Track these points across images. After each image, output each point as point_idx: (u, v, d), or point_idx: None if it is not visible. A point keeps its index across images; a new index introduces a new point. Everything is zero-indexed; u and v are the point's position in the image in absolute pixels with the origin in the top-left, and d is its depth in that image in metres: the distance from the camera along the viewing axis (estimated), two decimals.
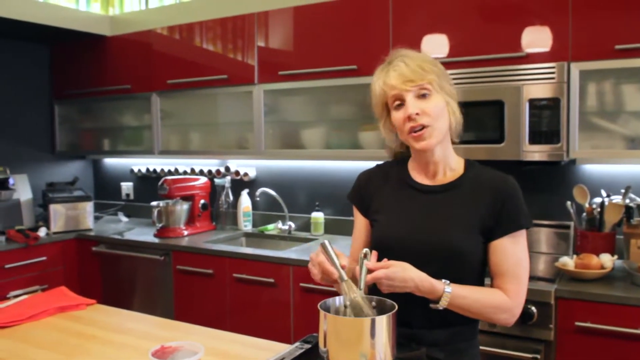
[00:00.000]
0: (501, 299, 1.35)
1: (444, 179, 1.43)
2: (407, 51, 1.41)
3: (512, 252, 1.36)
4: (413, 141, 1.38)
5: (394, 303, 1.21)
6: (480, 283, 1.42)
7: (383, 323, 1.14)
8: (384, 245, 1.43)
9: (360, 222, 1.56)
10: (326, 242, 1.28)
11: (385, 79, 1.38)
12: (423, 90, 1.35)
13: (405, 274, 1.25)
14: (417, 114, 1.34)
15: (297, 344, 1.38)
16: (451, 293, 1.28)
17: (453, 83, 1.43)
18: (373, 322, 1.14)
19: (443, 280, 1.30)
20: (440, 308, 1.29)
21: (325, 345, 1.17)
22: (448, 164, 1.44)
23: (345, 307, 1.24)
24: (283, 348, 1.42)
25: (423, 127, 1.35)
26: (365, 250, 1.33)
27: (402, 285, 1.25)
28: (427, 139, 1.36)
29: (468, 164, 1.46)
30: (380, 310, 1.24)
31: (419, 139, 1.36)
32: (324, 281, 1.33)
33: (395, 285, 1.25)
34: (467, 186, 1.41)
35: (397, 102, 1.38)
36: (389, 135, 1.47)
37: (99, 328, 1.76)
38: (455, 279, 1.36)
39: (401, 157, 1.55)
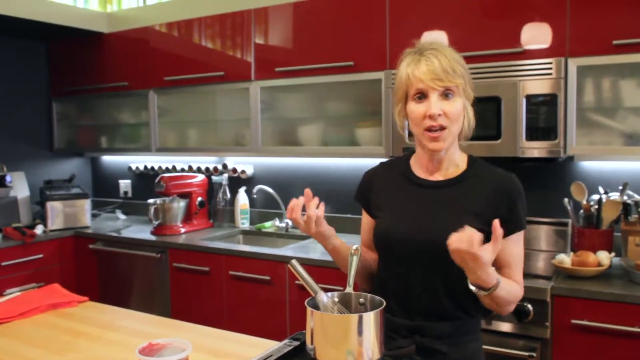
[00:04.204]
0: (518, 290, 1.37)
1: (447, 174, 1.43)
2: (440, 44, 1.39)
3: (518, 247, 1.38)
4: (427, 140, 1.37)
5: (382, 300, 1.20)
6: None
7: (370, 320, 1.13)
8: (386, 242, 1.44)
9: (366, 220, 1.58)
10: (293, 261, 1.27)
11: (415, 70, 1.35)
12: (448, 91, 1.34)
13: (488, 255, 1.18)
14: (439, 114, 1.33)
15: (285, 341, 1.36)
16: (500, 284, 1.24)
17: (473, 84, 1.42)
18: (360, 318, 1.12)
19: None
20: (483, 294, 1.25)
21: (312, 343, 1.16)
22: (452, 161, 1.44)
23: (334, 304, 1.23)
24: (272, 345, 1.40)
25: (442, 128, 1.34)
26: (356, 246, 1.33)
27: (475, 259, 1.16)
28: (442, 142, 1.35)
29: (471, 160, 1.46)
30: (369, 306, 1.22)
31: (435, 140, 1.35)
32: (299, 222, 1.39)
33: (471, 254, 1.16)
34: (469, 182, 1.41)
35: (419, 95, 1.36)
36: (401, 123, 1.46)
37: (90, 325, 1.75)
38: (457, 274, 1.34)
39: (408, 152, 1.54)
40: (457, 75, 1.33)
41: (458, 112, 1.35)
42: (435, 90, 1.33)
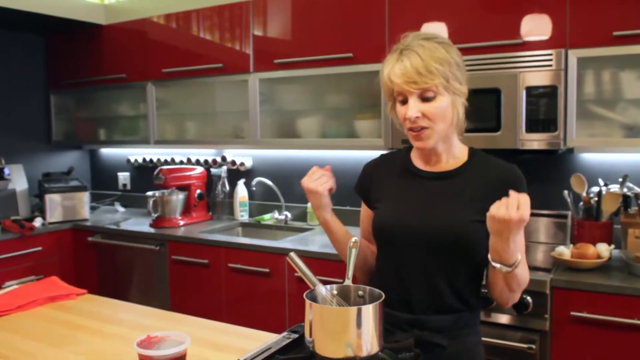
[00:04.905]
0: (528, 274, 1.35)
1: (447, 166, 1.43)
2: (420, 41, 1.33)
3: (520, 238, 1.35)
4: (412, 139, 1.38)
5: (381, 292, 1.19)
6: (482, 268, 1.40)
7: (369, 312, 1.12)
8: (384, 232, 1.44)
9: (365, 212, 1.58)
10: (292, 254, 1.27)
11: (391, 74, 1.34)
12: (427, 93, 1.31)
13: (519, 226, 1.19)
14: (417, 117, 1.32)
15: (284, 333, 1.36)
16: (520, 260, 1.25)
17: (467, 72, 1.38)
18: (359, 311, 1.11)
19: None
20: (505, 271, 1.25)
21: (311, 335, 1.15)
22: (451, 153, 1.43)
23: (332, 296, 1.22)
24: (271, 338, 1.40)
25: (422, 128, 1.33)
26: (355, 238, 1.32)
27: (508, 226, 1.18)
28: (425, 140, 1.35)
29: (472, 152, 1.45)
30: (367, 299, 1.22)
31: (417, 138, 1.36)
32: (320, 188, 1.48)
33: (508, 219, 1.17)
34: (470, 173, 1.40)
35: (401, 98, 1.35)
36: (396, 120, 1.45)
37: (88, 318, 1.75)
38: (455, 264, 1.35)
39: (409, 145, 1.53)
40: (433, 75, 1.29)
41: (440, 112, 1.32)
42: (412, 92, 1.31)
